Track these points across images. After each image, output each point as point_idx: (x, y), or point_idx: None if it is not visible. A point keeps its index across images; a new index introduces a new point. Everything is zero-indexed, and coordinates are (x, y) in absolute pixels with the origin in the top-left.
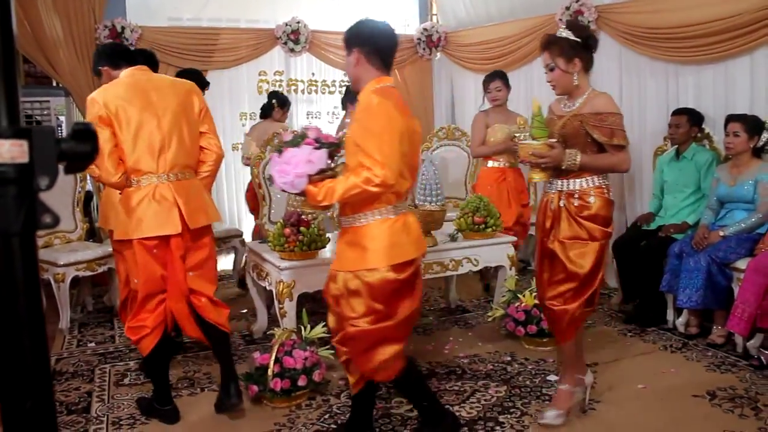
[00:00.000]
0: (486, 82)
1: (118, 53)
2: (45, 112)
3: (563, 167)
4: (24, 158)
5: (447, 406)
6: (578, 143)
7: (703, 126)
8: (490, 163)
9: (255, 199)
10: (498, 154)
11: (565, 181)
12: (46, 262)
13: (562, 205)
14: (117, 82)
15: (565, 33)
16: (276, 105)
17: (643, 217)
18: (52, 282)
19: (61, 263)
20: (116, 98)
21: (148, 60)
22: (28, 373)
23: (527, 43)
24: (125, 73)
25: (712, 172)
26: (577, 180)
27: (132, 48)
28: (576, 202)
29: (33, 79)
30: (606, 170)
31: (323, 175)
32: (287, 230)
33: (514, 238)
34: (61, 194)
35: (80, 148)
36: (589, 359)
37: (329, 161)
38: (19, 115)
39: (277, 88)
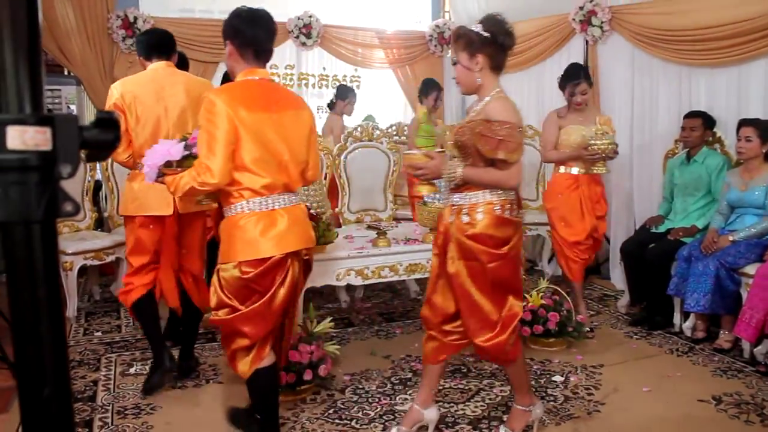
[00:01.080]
0: (570, 83)
1: (152, 45)
2: (56, 101)
3: (444, 180)
4: (47, 146)
5: (451, 405)
6: (471, 153)
7: (715, 130)
8: (562, 169)
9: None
10: (572, 160)
11: (456, 194)
12: None
13: (451, 220)
14: (139, 75)
15: (475, 27)
16: (335, 98)
17: (652, 219)
18: (60, 270)
19: (70, 252)
20: (133, 90)
21: (181, 60)
22: (47, 361)
23: (539, 43)
24: (151, 67)
25: (723, 176)
26: (467, 194)
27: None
28: (465, 219)
29: (45, 68)
30: (490, 186)
31: (175, 168)
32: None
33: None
34: (70, 183)
35: (103, 136)
36: (594, 361)
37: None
38: (43, 103)
39: (287, 82)
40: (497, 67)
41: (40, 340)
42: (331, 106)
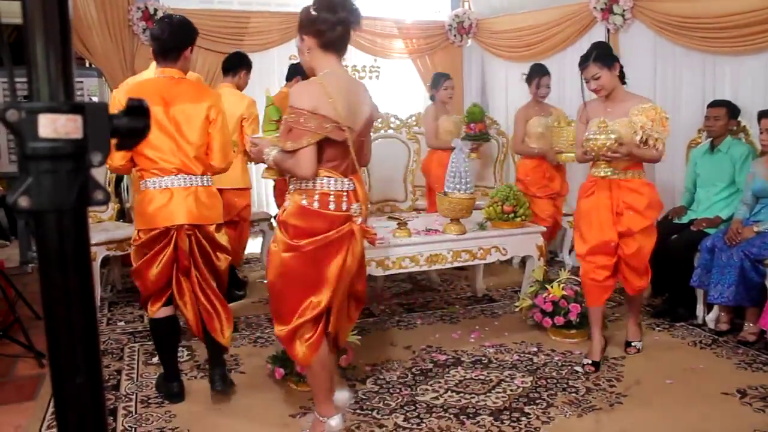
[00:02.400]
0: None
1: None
2: (78, 93)
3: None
4: (78, 134)
5: (472, 396)
6: None
7: (740, 119)
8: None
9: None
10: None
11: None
12: None
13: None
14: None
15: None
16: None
17: (674, 210)
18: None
19: (93, 242)
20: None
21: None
22: (79, 349)
23: (560, 32)
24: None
25: (747, 166)
26: (292, 180)
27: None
28: (286, 203)
29: None
30: (287, 173)
31: None
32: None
33: (544, 228)
34: (93, 174)
35: (133, 124)
36: (616, 353)
37: None
38: (74, 92)
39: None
40: (327, 45)
41: (72, 329)
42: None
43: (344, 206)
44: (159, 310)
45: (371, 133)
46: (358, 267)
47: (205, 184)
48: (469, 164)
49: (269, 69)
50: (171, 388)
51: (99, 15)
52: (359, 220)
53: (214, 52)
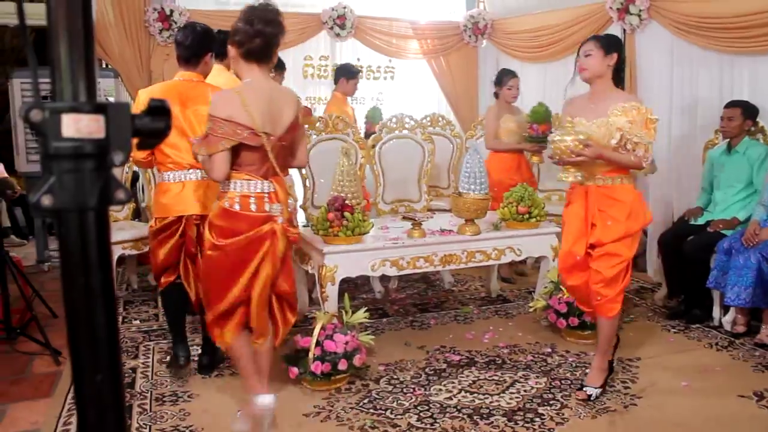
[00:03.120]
0: (506, 78)
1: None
2: None
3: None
4: (101, 133)
5: (486, 396)
6: None
7: (758, 119)
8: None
9: None
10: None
11: None
12: None
13: None
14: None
15: None
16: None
17: (691, 211)
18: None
19: None
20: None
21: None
22: (101, 347)
23: (575, 32)
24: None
25: (765, 167)
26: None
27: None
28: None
29: None
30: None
31: None
32: (331, 215)
33: (558, 229)
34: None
35: (154, 124)
36: (630, 354)
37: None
38: (96, 92)
39: (322, 74)
40: (248, 55)
41: (94, 327)
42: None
43: (267, 207)
44: (168, 282)
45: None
46: (281, 265)
47: None
48: (483, 166)
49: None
50: (178, 359)
51: (116, 16)
52: (280, 220)
53: None
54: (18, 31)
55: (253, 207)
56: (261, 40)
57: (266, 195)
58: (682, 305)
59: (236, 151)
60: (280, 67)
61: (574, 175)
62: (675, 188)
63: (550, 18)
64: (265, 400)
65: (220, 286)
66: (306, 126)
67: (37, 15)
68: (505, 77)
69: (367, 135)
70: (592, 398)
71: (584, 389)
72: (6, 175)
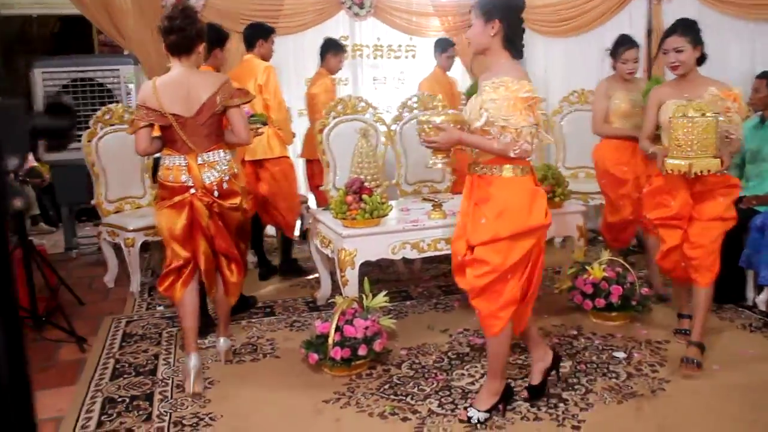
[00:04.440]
0: (621, 49)
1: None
2: (115, 81)
3: None
4: None
5: (509, 381)
6: None
7: None
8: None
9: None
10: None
11: None
12: (117, 227)
13: None
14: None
15: None
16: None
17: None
18: (123, 246)
19: (131, 228)
20: None
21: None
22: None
23: (599, 4)
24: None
25: None
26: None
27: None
28: None
29: (108, 48)
30: None
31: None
32: (349, 198)
33: (584, 208)
34: (130, 160)
35: (55, 123)
36: (660, 336)
37: None
38: None
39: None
40: (169, 48)
41: None
42: None
43: (183, 178)
44: None
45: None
46: (215, 228)
47: None
48: None
49: (303, 51)
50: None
51: (133, 2)
52: (192, 190)
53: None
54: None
55: (170, 178)
56: (175, 36)
57: (184, 168)
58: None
59: (162, 131)
60: (217, 42)
61: (442, 162)
62: None
63: None
64: (190, 360)
65: (166, 244)
66: (245, 105)
67: (61, 3)
68: (620, 48)
69: None
70: (472, 421)
71: (467, 409)
72: (35, 163)
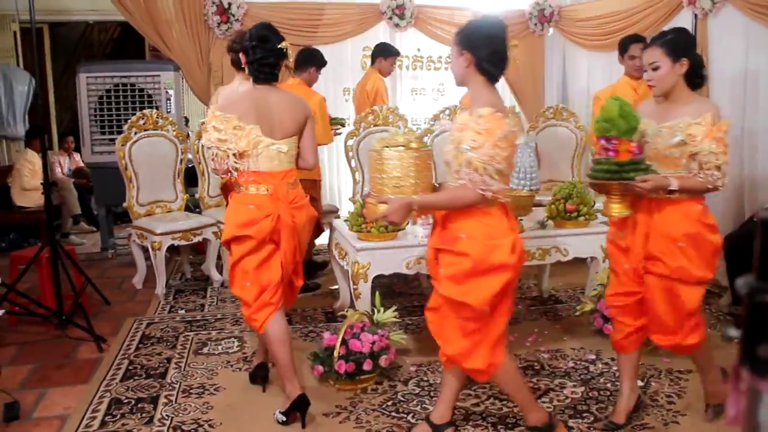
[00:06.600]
0: (631, 45)
1: None
2: (156, 86)
3: None
4: None
5: (515, 404)
6: None
7: None
8: None
9: None
10: None
11: None
12: (146, 230)
13: None
14: None
15: None
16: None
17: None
18: (150, 249)
19: (158, 232)
20: None
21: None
22: None
23: (643, 18)
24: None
25: None
26: None
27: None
28: None
29: (156, 54)
30: None
31: None
32: (365, 211)
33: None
34: (163, 165)
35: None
36: (682, 365)
37: None
38: None
39: None
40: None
41: None
42: None
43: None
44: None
45: None
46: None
47: None
48: (535, 161)
49: (342, 61)
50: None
51: (176, 10)
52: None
53: (290, 44)
54: (104, 27)
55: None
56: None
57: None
58: None
59: None
60: (316, 62)
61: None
62: (747, 185)
63: (617, 4)
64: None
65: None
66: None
67: (116, 11)
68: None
69: None
70: None
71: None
72: (82, 164)
